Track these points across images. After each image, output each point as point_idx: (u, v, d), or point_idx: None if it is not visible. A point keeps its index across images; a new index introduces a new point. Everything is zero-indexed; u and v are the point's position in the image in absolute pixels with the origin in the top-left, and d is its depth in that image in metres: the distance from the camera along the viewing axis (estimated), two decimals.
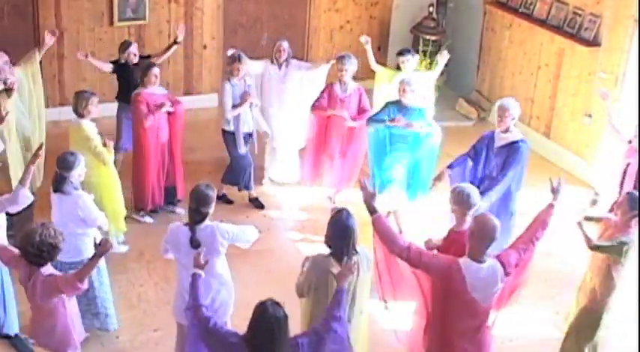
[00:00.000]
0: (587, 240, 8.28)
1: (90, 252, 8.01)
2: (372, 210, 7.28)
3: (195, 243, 7.48)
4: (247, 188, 11.85)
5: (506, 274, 6.96)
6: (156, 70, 10.74)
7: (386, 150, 10.74)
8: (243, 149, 11.41)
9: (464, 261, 6.80)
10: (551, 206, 7.68)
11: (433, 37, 14.98)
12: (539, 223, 7.50)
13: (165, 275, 9.96)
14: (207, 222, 7.62)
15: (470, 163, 9.80)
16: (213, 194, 7.62)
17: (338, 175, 11.83)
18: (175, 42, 12.06)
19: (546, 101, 13.41)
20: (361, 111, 11.38)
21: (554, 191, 7.87)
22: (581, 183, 12.84)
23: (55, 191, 8.31)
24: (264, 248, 10.75)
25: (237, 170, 11.63)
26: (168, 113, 10.82)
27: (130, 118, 11.18)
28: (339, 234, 7.14)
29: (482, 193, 8.84)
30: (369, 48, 12.36)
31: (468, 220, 7.65)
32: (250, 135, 11.56)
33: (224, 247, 7.70)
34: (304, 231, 11.31)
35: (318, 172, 12.03)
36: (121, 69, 11.68)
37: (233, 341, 6.17)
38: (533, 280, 10.30)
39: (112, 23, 13.69)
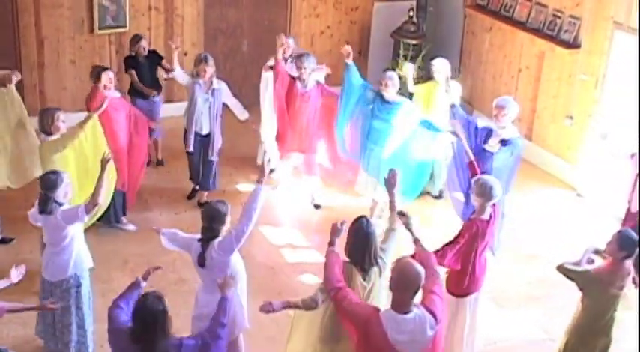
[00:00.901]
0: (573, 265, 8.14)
1: (77, 268, 8.16)
2: (331, 243, 7.22)
3: (201, 261, 7.45)
4: (202, 188, 11.95)
5: (437, 321, 6.30)
6: (110, 74, 10.70)
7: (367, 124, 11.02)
8: (189, 148, 11.54)
9: (385, 314, 6.14)
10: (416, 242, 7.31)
11: (414, 42, 14.99)
12: (430, 271, 6.72)
13: (149, 283, 9.91)
14: (219, 239, 7.49)
15: (470, 128, 10.03)
16: (225, 210, 7.50)
17: (299, 141, 11.68)
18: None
19: (527, 103, 13.44)
20: (328, 95, 11.43)
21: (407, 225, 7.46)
22: (562, 184, 12.88)
23: (42, 212, 8.06)
24: (246, 254, 10.68)
25: (190, 167, 11.85)
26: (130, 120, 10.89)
27: (141, 105, 11.96)
28: (360, 243, 7.05)
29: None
30: (410, 72, 12.35)
31: (488, 210, 8.12)
32: (206, 136, 11.54)
33: (226, 257, 7.54)
34: (287, 237, 11.29)
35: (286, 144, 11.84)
36: (132, 62, 12.24)
37: (123, 329, 6.31)
38: (519, 282, 10.38)
39: (92, 31, 13.65)
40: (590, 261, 8.24)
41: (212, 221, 7.43)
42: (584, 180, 12.66)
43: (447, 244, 8.12)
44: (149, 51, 12.39)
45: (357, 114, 11.11)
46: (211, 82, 11.34)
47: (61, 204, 8.00)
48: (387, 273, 6.88)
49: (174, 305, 9.40)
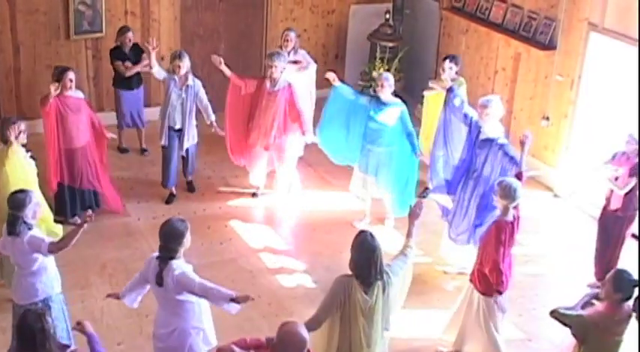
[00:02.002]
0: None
1: (45, 292, 7.98)
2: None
3: (158, 280, 7.17)
4: (185, 175, 12.23)
5: None
6: (71, 75, 10.78)
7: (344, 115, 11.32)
8: (163, 141, 11.73)
9: None
10: None
11: (390, 44, 15.01)
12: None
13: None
14: (177, 262, 7.19)
15: (461, 116, 10.21)
16: (183, 229, 7.18)
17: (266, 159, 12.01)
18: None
19: (504, 105, 13.42)
20: (294, 116, 11.59)
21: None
22: (539, 185, 12.93)
23: (10, 234, 7.83)
24: (227, 258, 10.78)
25: (162, 164, 11.99)
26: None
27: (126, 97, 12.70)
28: (365, 256, 6.88)
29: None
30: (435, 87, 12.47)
31: (512, 212, 8.27)
32: (179, 131, 11.70)
33: (185, 295, 7.24)
34: (266, 241, 11.29)
35: (240, 152, 12.04)
36: (118, 53, 12.64)
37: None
38: None
39: (68, 37, 13.60)
40: (587, 305, 7.64)
41: (169, 240, 7.14)
42: (562, 181, 12.73)
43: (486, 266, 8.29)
44: (134, 44, 12.90)
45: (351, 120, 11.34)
46: (186, 78, 11.49)
47: (30, 226, 7.79)
48: (391, 291, 7.01)
49: (152, 310, 9.38)
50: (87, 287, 9.95)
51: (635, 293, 7.23)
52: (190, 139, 11.82)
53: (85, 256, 10.40)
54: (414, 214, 7.45)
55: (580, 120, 12.47)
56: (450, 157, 10.37)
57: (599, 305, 7.41)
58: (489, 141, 9.77)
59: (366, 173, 11.35)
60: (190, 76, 11.56)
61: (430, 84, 12.78)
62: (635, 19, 11.20)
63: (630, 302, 7.24)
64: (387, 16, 15.21)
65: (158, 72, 11.63)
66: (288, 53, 12.44)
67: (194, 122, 11.78)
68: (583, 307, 7.54)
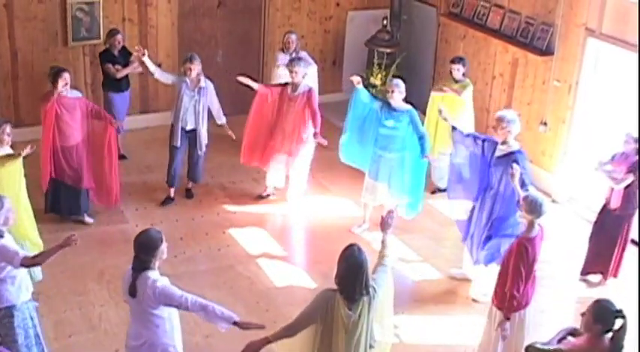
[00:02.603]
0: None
1: (10, 300, 7.80)
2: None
3: (132, 291, 6.96)
4: (189, 178, 12.33)
5: None
6: (66, 75, 10.89)
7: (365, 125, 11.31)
8: (175, 142, 11.88)
9: None
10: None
11: (388, 50, 15.02)
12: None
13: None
14: (153, 273, 6.99)
15: (471, 142, 10.02)
16: (158, 239, 6.98)
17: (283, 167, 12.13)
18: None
19: (501, 109, 13.47)
20: (312, 114, 11.70)
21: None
22: (537, 190, 12.91)
23: None
24: (225, 264, 10.76)
25: (169, 164, 12.10)
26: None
27: (116, 99, 12.75)
28: (351, 271, 6.60)
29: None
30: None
31: (537, 228, 8.11)
32: (191, 132, 11.86)
33: (159, 310, 7.05)
34: (264, 247, 11.28)
35: (255, 153, 12.16)
36: (108, 56, 12.72)
37: None
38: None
39: (66, 43, 13.61)
40: (563, 340, 6.95)
41: (143, 250, 6.94)
42: (560, 186, 12.72)
43: (506, 287, 8.16)
44: (122, 47, 12.94)
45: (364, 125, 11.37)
46: (198, 80, 11.67)
47: (1, 233, 7.60)
48: (376, 305, 6.79)
49: None
50: (84, 294, 9.94)
51: (617, 325, 6.60)
52: (203, 139, 11.97)
53: (82, 263, 10.41)
54: (386, 224, 7.28)
55: (578, 126, 12.46)
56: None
57: (577, 339, 6.81)
58: (506, 157, 9.59)
59: (377, 180, 11.27)
60: (202, 78, 11.73)
61: (434, 88, 12.87)
62: (632, 25, 11.22)
63: (609, 335, 6.59)
64: (385, 22, 15.23)
65: (162, 76, 11.83)
66: (290, 55, 12.80)
67: (206, 124, 11.94)
68: (559, 341, 6.93)
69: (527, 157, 9.75)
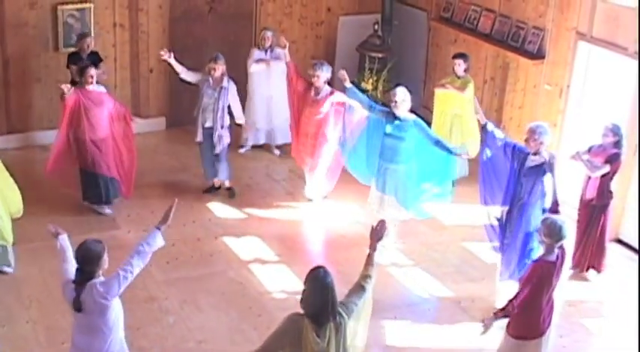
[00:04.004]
0: None
1: None
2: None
3: (77, 305, 6.91)
4: (206, 177, 12.66)
5: None
6: (92, 71, 11.35)
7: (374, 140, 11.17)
8: (198, 138, 12.24)
9: None
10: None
11: (379, 55, 15.03)
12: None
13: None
14: (94, 280, 6.94)
15: (500, 147, 9.90)
16: (100, 250, 6.95)
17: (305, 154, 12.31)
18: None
19: (493, 115, 13.49)
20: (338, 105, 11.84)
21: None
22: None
23: None
24: (217, 270, 10.75)
25: (201, 157, 12.52)
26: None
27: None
28: (317, 294, 6.32)
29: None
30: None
31: (556, 251, 7.86)
32: (210, 129, 12.12)
33: (109, 301, 6.98)
34: (257, 253, 11.27)
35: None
36: (75, 58, 12.70)
37: None
38: (487, 293, 10.38)
39: (57, 49, 13.60)
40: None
41: (86, 262, 6.88)
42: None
43: (512, 298, 7.96)
44: (92, 51, 12.85)
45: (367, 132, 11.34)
46: (221, 80, 12.00)
47: None
48: (344, 331, 6.47)
49: (143, 323, 9.48)
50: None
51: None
52: (222, 139, 12.20)
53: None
54: (376, 234, 6.93)
55: (569, 129, 12.48)
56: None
57: None
58: (537, 168, 9.49)
59: (383, 192, 11.10)
60: (225, 78, 12.05)
61: (442, 84, 12.94)
62: (623, 28, 11.27)
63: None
64: (376, 27, 15.24)
65: (187, 75, 12.22)
66: (266, 51, 13.26)
67: (226, 123, 12.16)
68: None
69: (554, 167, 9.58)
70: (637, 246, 11.34)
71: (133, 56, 14.17)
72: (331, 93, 11.83)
